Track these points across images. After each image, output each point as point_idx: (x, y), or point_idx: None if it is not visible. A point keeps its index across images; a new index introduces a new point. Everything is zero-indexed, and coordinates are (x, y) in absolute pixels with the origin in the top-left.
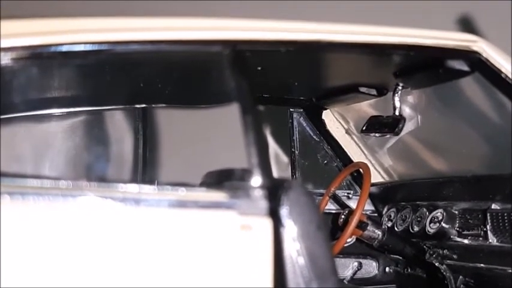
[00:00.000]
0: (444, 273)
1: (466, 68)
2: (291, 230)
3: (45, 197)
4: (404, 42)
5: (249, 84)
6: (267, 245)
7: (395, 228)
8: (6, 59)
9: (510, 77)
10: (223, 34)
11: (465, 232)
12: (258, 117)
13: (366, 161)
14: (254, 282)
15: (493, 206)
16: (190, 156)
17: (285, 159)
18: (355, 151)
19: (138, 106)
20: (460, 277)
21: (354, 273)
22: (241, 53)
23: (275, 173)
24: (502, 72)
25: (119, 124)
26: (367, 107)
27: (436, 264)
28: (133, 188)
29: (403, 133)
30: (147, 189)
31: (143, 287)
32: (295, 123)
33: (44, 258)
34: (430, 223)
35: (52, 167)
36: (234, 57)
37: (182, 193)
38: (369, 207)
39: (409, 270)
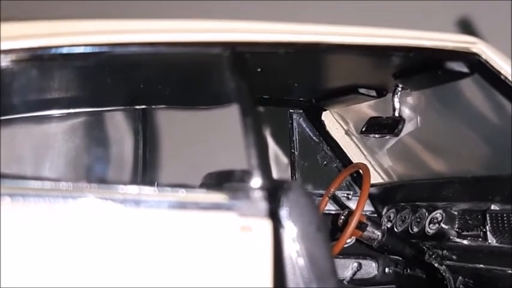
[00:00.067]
0: (444, 273)
1: (465, 69)
2: (290, 231)
3: (46, 199)
4: (404, 44)
5: (248, 86)
6: (267, 246)
7: (395, 229)
8: (6, 61)
9: (509, 78)
10: (223, 36)
11: (464, 233)
12: (257, 119)
13: (365, 162)
14: (254, 283)
15: (493, 207)
16: (190, 157)
17: (284, 160)
18: (354, 152)
19: (138, 107)
20: (460, 278)
21: (354, 274)
22: (240, 54)
23: (275, 174)
24: (501, 74)
25: (119, 125)
26: (366, 108)
27: (436, 264)
28: (133, 190)
29: (402, 134)
30: (147, 190)
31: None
32: (294, 124)
33: (44, 260)
34: (429, 224)
35: (52, 168)
36: (233, 58)
37: (182, 194)
38: (368, 208)
39: (408, 270)
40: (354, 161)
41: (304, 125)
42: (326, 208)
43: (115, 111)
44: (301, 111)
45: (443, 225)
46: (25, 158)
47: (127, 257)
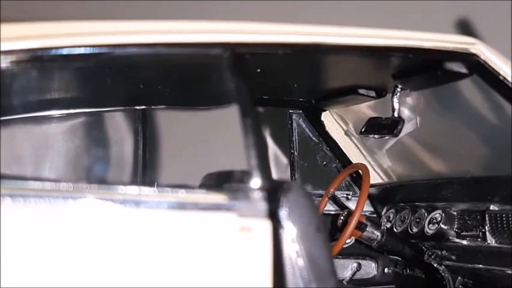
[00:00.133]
0: (443, 274)
1: (464, 70)
2: (290, 232)
3: (46, 199)
4: (403, 45)
5: (248, 86)
6: (267, 247)
7: (394, 229)
8: (6, 62)
9: (508, 79)
10: (223, 37)
11: (464, 233)
12: (257, 119)
13: (365, 162)
14: (254, 284)
15: (492, 207)
16: (189, 157)
17: (284, 160)
18: (354, 152)
19: (138, 108)
20: (459, 278)
21: (353, 274)
22: (240, 55)
23: (274, 175)
24: (500, 74)
25: (118, 126)
26: (366, 109)
27: (435, 265)
28: (133, 190)
29: (402, 134)
30: (147, 191)
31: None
32: (294, 124)
33: (44, 260)
34: (428, 224)
35: (52, 169)
36: (233, 59)
37: (182, 195)
38: (368, 208)
39: (408, 271)
40: (353, 162)
41: (304, 126)
42: (325, 208)
43: (115, 111)
44: (301, 111)
45: (442, 226)
46: (25, 158)
47: (127, 257)
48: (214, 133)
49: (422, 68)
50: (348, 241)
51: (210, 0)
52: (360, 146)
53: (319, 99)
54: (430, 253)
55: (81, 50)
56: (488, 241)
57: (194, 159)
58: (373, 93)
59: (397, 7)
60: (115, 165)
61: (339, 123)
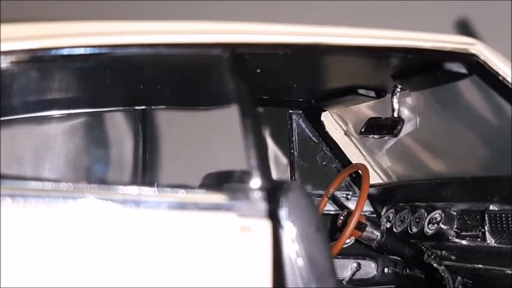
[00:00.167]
0: (442, 274)
1: (463, 70)
2: (290, 232)
3: (46, 199)
4: (403, 45)
5: (248, 87)
6: (266, 247)
7: (394, 229)
8: (6, 62)
9: (508, 79)
10: (223, 37)
11: (463, 233)
12: (257, 119)
13: (364, 163)
14: (253, 284)
15: (491, 207)
16: (189, 158)
17: (284, 160)
18: (354, 152)
19: (138, 108)
20: (459, 278)
21: (353, 274)
22: (240, 55)
23: (274, 175)
24: (499, 74)
25: (119, 126)
26: (366, 109)
27: (435, 265)
28: (133, 190)
29: (401, 135)
30: (147, 191)
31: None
32: (294, 124)
33: (44, 260)
34: (428, 224)
35: (52, 169)
36: (233, 60)
37: (182, 195)
38: (367, 208)
39: (407, 271)
40: (353, 162)
41: (304, 126)
42: (325, 208)
43: (115, 111)
44: (301, 111)
45: (442, 226)
46: (25, 158)
47: (127, 257)
48: (214, 133)
49: (422, 69)
50: (347, 241)
51: (210, 0)
52: (359, 146)
53: (319, 99)
54: (429, 253)
55: (81, 51)
56: (488, 241)
57: (194, 159)
58: (372, 94)
59: (396, 7)
60: (115, 165)
61: (338, 124)
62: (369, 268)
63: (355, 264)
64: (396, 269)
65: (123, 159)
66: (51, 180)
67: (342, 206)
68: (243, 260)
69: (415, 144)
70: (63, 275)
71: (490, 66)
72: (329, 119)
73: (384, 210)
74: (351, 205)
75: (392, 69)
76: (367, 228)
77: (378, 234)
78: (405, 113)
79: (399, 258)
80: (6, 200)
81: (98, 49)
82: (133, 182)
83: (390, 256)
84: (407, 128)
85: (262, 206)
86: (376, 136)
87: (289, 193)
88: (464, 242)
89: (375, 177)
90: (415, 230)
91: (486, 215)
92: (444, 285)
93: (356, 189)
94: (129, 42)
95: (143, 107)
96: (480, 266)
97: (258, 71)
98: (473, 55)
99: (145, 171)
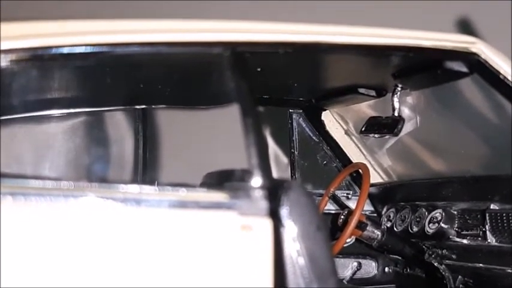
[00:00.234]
0: (443, 273)
1: (464, 69)
2: (291, 231)
3: (47, 198)
4: (403, 44)
5: (248, 86)
6: (267, 246)
7: (395, 229)
8: (6, 61)
9: (508, 78)
10: (223, 36)
11: (464, 232)
12: (257, 118)
13: (365, 162)
14: (254, 283)
15: (492, 206)
16: (190, 157)
17: (284, 160)
18: (354, 152)
19: (138, 107)
20: (459, 277)
21: (354, 274)
22: (241, 54)
23: (275, 174)
24: (500, 73)
25: (119, 125)
26: (366, 108)
27: (435, 264)
28: (134, 189)
29: (402, 134)
30: (147, 189)
31: (144, 287)
32: (294, 124)
33: (45, 259)
34: (429, 223)
35: (52, 168)
36: (233, 58)
37: (183, 193)
38: (368, 207)
39: (408, 270)
40: (353, 161)
41: (304, 125)
42: (326, 208)
43: (115, 111)
44: (301, 111)
45: (442, 225)
46: (25, 158)
47: (127, 255)
48: (215, 132)
49: (423, 67)
50: (348, 240)
51: (210, 0)
52: (360, 146)
53: (320, 98)
54: (430, 252)
55: (81, 49)
56: (489, 240)
57: (194, 158)
58: (373, 93)
59: (397, 6)
60: (115, 164)
61: (339, 123)
62: (370, 267)
63: (355, 264)
64: (397, 268)
65: (123, 159)
66: (52, 179)
67: (342, 206)
68: (244, 258)
69: (415, 143)
70: (63, 273)
71: (490, 65)
72: (329, 118)
73: (385, 209)
74: (352, 204)
75: (393, 68)
76: (367, 228)
77: (379, 233)
78: (406, 112)
79: (400, 258)
80: (6, 198)
81: (98, 48)
82: (134, 181)
83: (391, 255)
84: (407, 127)
85: (263, 204)
86: (376, 135)
87: (290, 192)
88: (465, 241)
89: (376, 177)
90: (415, 229)
91: (487, 214)
92: (445, 284)
93: (356, 188)
94: (129, 40)
95: (143, 106)
96: (481, 265)
97: (259, 70)
98: (474, 54)
99: (146, 170)
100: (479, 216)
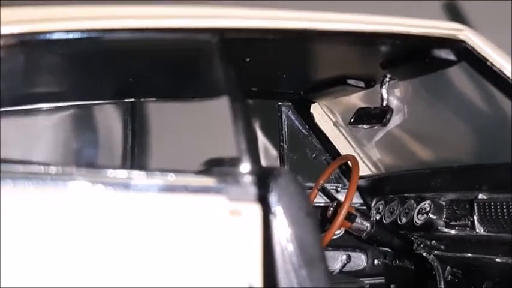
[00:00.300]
0: (432, 263)
1: (452, 57)
2: (280, 217)
3: (34, 181)
4: (390, 31)
5: (237, 75)
6: (256, 231)
7: (384, 221)
8: None
9: (496, 65)
10: (211, 22)
11: (452, 223)
12: (246, 107)
13: (354, 154)
14: (243, 268)
15: (480, 196)
16: (180, 149)
17: (273, 152)
18: (343, 144)
19: (126, 100)
20: (448, 267)
21: (343, 266)
22: (229, 41)
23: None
24: (488, 60)
25: (107, 119)
26: (355, 100)
27: (424, 254)
28: (122, 173)
29: (390, 125)
30: (136, 174)
31: (132, 271)
32: (283, 116)
33: (32, 243)
34: (417, 214)
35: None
36: (222, 45)
37: (171, 178)
38: (357, 200)
39: (397, 262)
40: (342, 154)
41: (293, 118)
42: (315, 201)
43: (103, 104)
44: (290, 103)
45: (431, 216)
46: (13, 152)
47: (115, 240)
48: (204, 125)
49: (411, 56)
50: (337, 232)
51: None
52: (349, 138)
53: (308, 90)
54: (419, 242)
55: (68, 35)
56: (477, 230)
57: (184, 150)
58: (361, 84)
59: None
60: (104, 158)
61: (328, 115)
62: (359, 260)
63: (345, 257)
64: (386, 261)
65: (112, 153)
66: (40, 164)
67: (331, 198)
68: (232, 244)
69: (403, 134)
70: (50, 258)
71: (478, 52)
72: (318, 111)
73: (374, 201)
74: (341, 197)
75: (381, 57)
76: (356, 219)
77: (368, 225)
78: (394, 103)
79: (389, 250)
80: None
81: (85, 34)
82: None
83: (380, 248)
84: (396, 118)
85: (252, 190)
86: (365, 126)
87: (279, 178)
88: (453, 232)
89: (364, 169)
90: (404, 220)
91: (475, 204)
92: (434, 275)
93: (346, 181)
94: (116, 26)
95: (132, 100)
96: (469, 254)
97: (248, 60)
98: (462, 41)
99: (134, 164)
100: (467, 206)
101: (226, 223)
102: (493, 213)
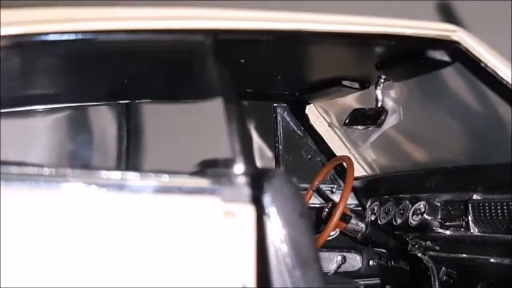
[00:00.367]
0: (427, 263)
1: (446, 58)
2: (274, 218)
3: (28, 183)
4: (385, 32)
5: (232, 77)
6: (250, 232)
7: (379, 221)
8: None
9: (490, 66)
10: (205, 23)
11: (447, 223)
12: (241, 109)
13: (349, 155)
14: (237, 269)
15: (475, 197)
16: (174, 151)
17: (269, 154)
18: (338, 146)
19: (121, 102)
20: (443, 268)
21: (338, 267)
22: (223, 42)
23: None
24: (481, 61)
25: (102, 121)
26: (350, 101)
27: (419, 255)
28: (116, 175)
29: (385, 126)
30: (130, 175)
31: (126, 272)
32: (278, 118)
33: (26, 244)
34: (412, 215)
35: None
36: (216, 47)
37: (165, 179)
38: (352, 201)
39: (392, 263)
40: (337, 155)
41: (288, 119)
42: (310, 202)
43: (99, 106)
44: (285, 105)
45: (426, 216)
46: (8, 156)
47: (109, 240)
48: (198, 126)
49: (405, 57)
50: (332, 233)
51: None
52: (344, 139)
53: (303, 92)
54: (413, 243)
55: (64, 37)
56: (472, 230)
57: (179, 152)
58: (356, 85)
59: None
60: (99, 160)
61: (323, 116)
62: (354, 261)
63: (340, 257)
64: (381, 262)
65: (107, 155)
66: (35, 165)
67: (326, 199)
68: (226, 245)
69: (398, 135)
70: (44, 258)
71: (472, 53)
72: (313, 112)
73: (369, 202)
74: (336, 198)
75: (375, 58)
76: (351, 220)
77: (363, 226)
78: (389, 104)
79: (384, 251)
80: None
81: (81, 35)
82: None
83: (375, 248)
84: (391, 119)
85: (246, 191)
86: (360, 127)
87: (273, 179)
88: (448, 232)
89: (360, 170)
90: (399, 221)
91: (470, 205)
92: (429, 276)
93: (341, 182)
94: (111, 28)
95: (127, 101)
96: (464, 255)
97: (242, 61)
98: (456, 42)
99: (129, 167)
100: (462, 206)
101: (220, 224)
102: (487, 214)
